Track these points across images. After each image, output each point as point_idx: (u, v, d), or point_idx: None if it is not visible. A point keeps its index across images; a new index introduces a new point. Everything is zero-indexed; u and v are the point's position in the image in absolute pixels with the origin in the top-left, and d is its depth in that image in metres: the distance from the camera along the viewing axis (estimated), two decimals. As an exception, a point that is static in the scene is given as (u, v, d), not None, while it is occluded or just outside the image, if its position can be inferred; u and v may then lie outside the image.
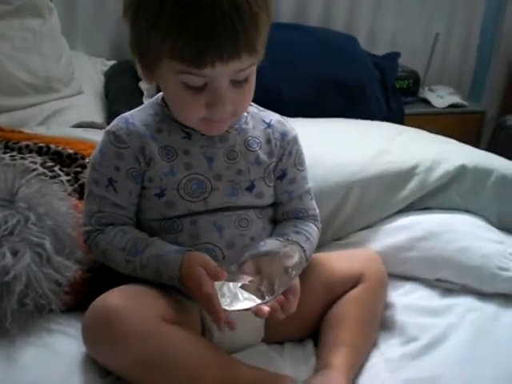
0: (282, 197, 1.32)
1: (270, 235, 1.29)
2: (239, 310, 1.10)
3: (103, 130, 1.26)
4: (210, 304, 1.09)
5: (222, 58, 1.06)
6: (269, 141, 1.29)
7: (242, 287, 1.11)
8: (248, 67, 1.13)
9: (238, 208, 1.25)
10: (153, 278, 1.17)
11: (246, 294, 1.11)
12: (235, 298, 1.11)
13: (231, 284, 1.12)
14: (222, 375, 1.10)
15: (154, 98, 1.28)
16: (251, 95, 1.19)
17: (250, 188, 1.26)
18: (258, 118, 1.31)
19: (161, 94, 1.26)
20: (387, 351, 1.27)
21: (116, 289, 1.15)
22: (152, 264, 1.16)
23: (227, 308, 1.10)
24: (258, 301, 1.10)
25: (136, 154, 1.20)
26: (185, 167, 1.22)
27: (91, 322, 1.10)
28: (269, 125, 1.30)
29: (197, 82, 1.11)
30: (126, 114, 1.26)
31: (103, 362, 1.11)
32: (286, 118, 1.35)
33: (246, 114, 1.29)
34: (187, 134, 1.23)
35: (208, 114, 1.14)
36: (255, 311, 1.11)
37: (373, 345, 1.29)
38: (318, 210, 1.37)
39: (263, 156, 1.27)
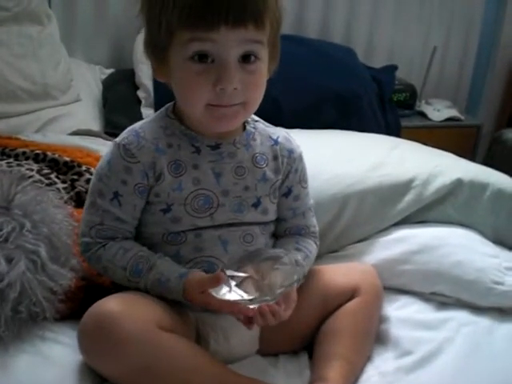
0: (286, 213, 1.33)
1: None
2: (229, 301, 1.10)
3: (112, 141, 1.24)
4: (230, 309, 1.11)
5: (227, 21, 1.07)
6: (276, 158, 1.29)
7: (240, 284, 1.11)
8: (256, 45, 1.12)
9: (243, 224, 1.25)
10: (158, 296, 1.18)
11: (242, 289, 1.11)
12: (230, 290, 1.11)
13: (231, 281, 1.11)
14: (217, 383, 1.10)
15: (163, 109, 1.27)
16: (262, 87, 1.18)
17: (256, 205, 1.26)
18: (265, 134, 1.30)
19: (170, 105, 1.26)
20: (382, 365, 1.27)
21: (112, 295, 1.15)
22: (155, 289, 1.17)
23: (214, 294, 1.10)
24: (252, 296, 1.10)
25: (146, 169, 1.19)
26: (193, 182, 1.21)
27: (87, 327, 1.10)
28: (276, 142, 1.30)
29: (204, 47, 1.10)
30: (137, 126, 1.24)
31: (98, 369, 1.11)
32: (291, 134, 1.36)
33: (253, 129, 1.29)
34: (196, 149, 1.22)
35: (215, 96, 1.12)
36: (244, 321, 1.13)
37: (367, 358, 1.29)
38: (317, 228, 1.38)
39: (270, 173, 1.27)
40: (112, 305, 1.10)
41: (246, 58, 1.12)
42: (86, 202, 1.24)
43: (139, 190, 1.20)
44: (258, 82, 1.17)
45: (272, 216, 1.30)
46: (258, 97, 1.19)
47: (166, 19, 1.11)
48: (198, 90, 1.13)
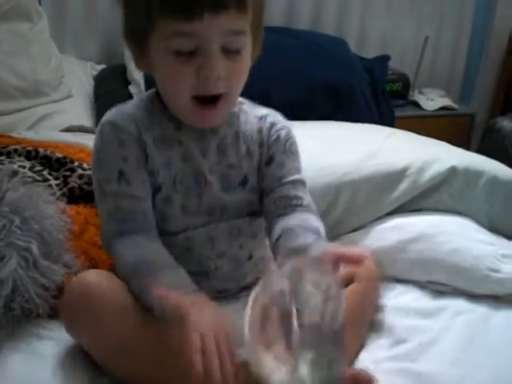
0: (271, 183, 1.24)
1: (260, 242, 1.27)
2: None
3: (98, 126, 1.20)
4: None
5: (209, 7, 1.04)
6: (260, 131, 1.25)
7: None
8: (239, 31, 1.09)
9: (230, 217, 1.22)
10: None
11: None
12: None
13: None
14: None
15: (139, 96, 1.27)
16: (244, 75, 1.15)
17: (244, 183, 1.23)
18: (251, 113, 1.27)
19: (152, 90, 1.24)
20: (376, 352, 1.26)
21: (92, 270, 1.17)
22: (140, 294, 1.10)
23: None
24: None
25: (137, 140, 1.16)
26: (181, 160, 1.18)
27: (69, 298, 1.10)
28: (260, 117, 1.27)
29: (187, 45, 1.07)
30: (118, 105, 1.21)
31: (78, 339, 1.12)
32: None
33: (237, 110, 1.25)
34: (177, 125, 1.19)
35: (199, 87, 1.09)
36: None
37: (362, 346, 1.28)
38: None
39: (254, 147, 1.24)
40: (94, 277, 1.11)
41: (229, 49, 1.10)
42: (96, 198, 1.19)
43: (141, 164, 1.16)
44: (241, 71, 1.14)
45: (258, 193, 1.25)
46: (240, 86, 1.16)
47: (145, 5, 1.08)
48: (181, 79, 1.10)
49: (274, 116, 1.28)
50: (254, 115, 1.27)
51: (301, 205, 1.22)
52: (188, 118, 1.17)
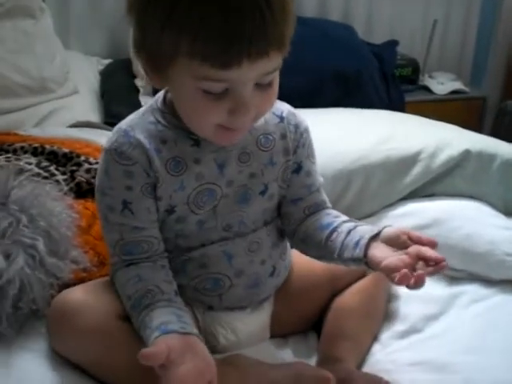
0: (300, 191, 1.21)
1: (281, 249, 1.24)
2: None
3: (102, 148, 1.12)
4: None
5: (249, 55, 0.93)
6: (284, 136, 1.18)
7: None
8: (275, 69, 1.00)
9: (248, 233, 1.17)
10: None
11: None
12: None
13: None
14: None
15: (151, 102, 1.15)
16: (274, 100, 1.08)
17: (263, 192, 1.17)
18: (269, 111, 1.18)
19: (158, 97, 1.14)
20: (390, 342, 1.25)
21: (81, 284, 1.16)
22: (140, 331, 1.06)
23: None
24: None
25: (146, 168, 1.08)
26: (195, 178, 1.11)
27: (53, 314, 1.11)
28: (281, 118, 1.18)
29: (218, 88, 0.97)
30: (123, 125, 1.12)
31: (62, 353, 1.12)
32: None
33: None
34: (195, 141, 1.10)
35: (228, 122, 1.01)
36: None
37: (376, 336, 1.27)
38: None
39: (278, 155, 1.17)
40: (77, 294, 1.11)
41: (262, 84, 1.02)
42: (100, 222, 1.15)
43: (147, 191, 1.09)
44: (271, 99, 1.06)
45: (276, 200, 1.21)
46: (269, 109, 1.10)
47: (170, 39, 0.96)
48: (209, 116, 1.01)
49: (293, 116, 1.21)
50: (272, 112, 1.18)
51: (328, 207, 1.24)
52: (209, 139, 1.09)
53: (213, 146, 1.10)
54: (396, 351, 1.22)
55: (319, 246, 1.16)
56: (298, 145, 1.19)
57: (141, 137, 1.09)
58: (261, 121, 1.14)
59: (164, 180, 1.09)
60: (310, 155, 1.23)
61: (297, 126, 1.20)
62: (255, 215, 1.18)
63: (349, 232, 1.12)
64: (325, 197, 1.25)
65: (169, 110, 1.11)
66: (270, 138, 1.16)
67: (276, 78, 1.04)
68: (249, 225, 1.17)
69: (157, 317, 1.02)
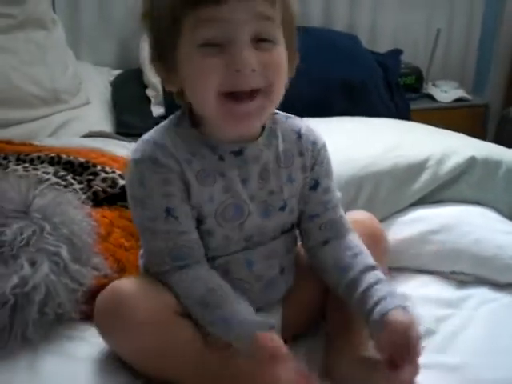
0: (317, 208, 1.23)
1: (293, 254, 1.27)
2: None
3: (131, 159, 1.12)
4: None
5: None
6: (301, 153, 1.20)
7: None
8: (268, 18, 1.02)
9: (267, 241, 1.20)
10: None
11: None
12: None
13: None
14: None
15: (171, 118, 1.16)
16: (282, 68, 1.07)
17: (283, 207, 1.20)
18: (287, 128, 1.21)
19: (178, 113, 1.16)
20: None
21: (130, 277, 1.16)
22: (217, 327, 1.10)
23: None
24: None
25: (180, 177, 1.10)
26: (223, 191, 1.13)
27: (104, 306, 1.09)
28: (299, 134, 1.21)
29: (213, 31, 1.00)
30: (150, 137, 1.12)
31: (112, 347, 1.12)
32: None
33: (273, 124, 1.19)
34: (220, 157, 1.13)
35: (230, 82, 1.02)
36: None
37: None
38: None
39: (296, 172, 1.20)
40: (129, 285, 1.10)
41: (259, 40, 1.03)
42: (141, 234, 1.16)
43: (185, 197, 1.11)
44: (277, 62, 1.05)
45: (296, 214, 1.24)
46: (280, 81, 1.07)
47: (170, 6, 1.02)
48: (209, 73, 1.02)
49: (311, 132, 1.23)
50: (291, 129, 1.21)
51: (347, 229, 1.25)
52: (222, 127, 1.11)
53: (236, 162, 1.14)
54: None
55: (335, 287, 1.21)
56: (315, 162, 1.22)
57: (171, 147, 1.10)
58: (279, 138, 1.18)
59: (195, 190, 1.11)
60: (329, 172, 1.25)
61: (314, 143, 1.22)
62: (275, 227, 1.21)
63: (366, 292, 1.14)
64: (343, 214, 1.26)
65: (191, 124, 1.14)
66: (289, 154, 1.19)
67: (279, 45, 1.06)
68: (268, 234, 1.21)
69: (244, 312, 1.09)
